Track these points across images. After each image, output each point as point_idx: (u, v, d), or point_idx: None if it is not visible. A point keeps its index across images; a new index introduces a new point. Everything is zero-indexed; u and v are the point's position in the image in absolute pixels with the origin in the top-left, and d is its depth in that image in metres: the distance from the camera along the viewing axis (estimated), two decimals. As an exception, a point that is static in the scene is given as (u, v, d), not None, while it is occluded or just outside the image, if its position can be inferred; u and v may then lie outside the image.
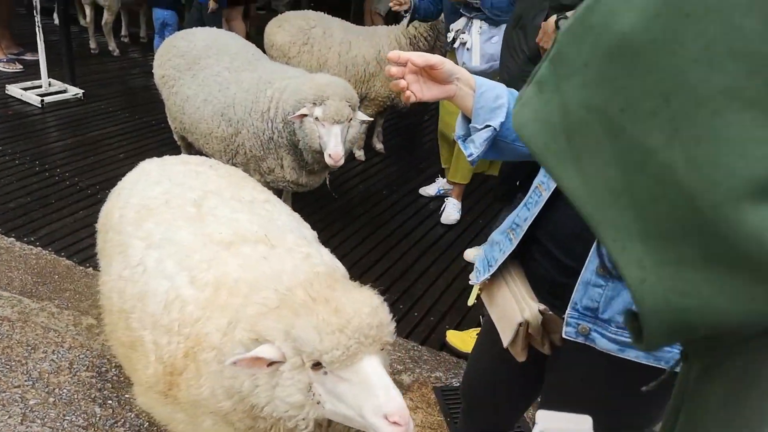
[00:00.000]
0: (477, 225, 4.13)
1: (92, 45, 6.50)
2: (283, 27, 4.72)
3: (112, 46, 6.50)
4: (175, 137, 3.94)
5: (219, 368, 1.37)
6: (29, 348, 2.56)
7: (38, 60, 5.14)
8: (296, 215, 1.95)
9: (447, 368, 2.86)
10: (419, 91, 1.32)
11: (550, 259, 1.36)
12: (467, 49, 3.50)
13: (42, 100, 4.95)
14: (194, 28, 3.77)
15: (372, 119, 3.12)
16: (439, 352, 2.95)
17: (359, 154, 4.88)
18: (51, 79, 5.23)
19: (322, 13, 4.89)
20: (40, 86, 5.16)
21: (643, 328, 0.47)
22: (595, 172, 0.47)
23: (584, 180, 0.48)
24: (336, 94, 2.94)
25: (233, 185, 1.92)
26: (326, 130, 2.94)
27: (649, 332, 0.47)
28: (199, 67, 3.44)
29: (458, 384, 2.78)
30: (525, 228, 1.37)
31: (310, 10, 4.99)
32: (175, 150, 4.42)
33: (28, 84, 5.20)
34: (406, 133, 5.81)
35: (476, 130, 1.34)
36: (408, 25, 4.48)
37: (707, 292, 0.43)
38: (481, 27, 3.46)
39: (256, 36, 6.95)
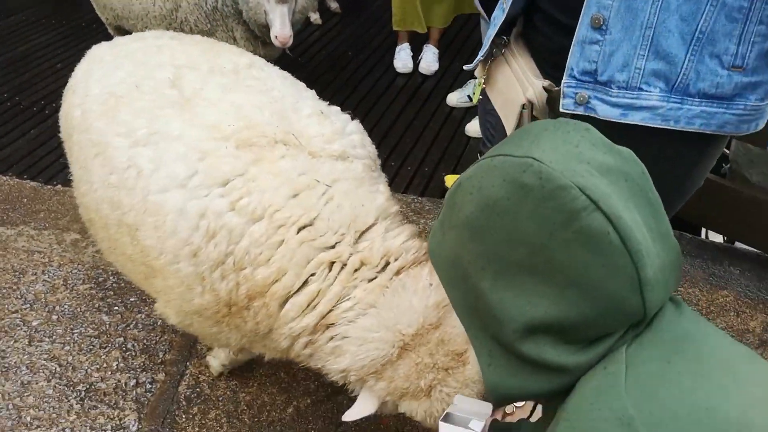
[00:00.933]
0: (455, 69, 3.89)
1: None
2: None
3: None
4: (110, 30, 3.54)
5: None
6: (17, 273, 2.42)
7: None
8: (285, 73, 1.67)
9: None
10: None
11: (549, 22, 1.19)
12: None
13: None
14: None
15: None
16: (441, 200, 2.86)
17: (315, 17, 4.49)
18: (-43, -3, 4.65)
19: None
20: (-53, 7, 4.59)
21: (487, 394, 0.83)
22: (460, 297, 0.79)
23: (459, 299, 0.80)
24: None
25: (206, 53, 1.63)
26: (271, 7, 2.63)
27: (492, 397, 0.80)
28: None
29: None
30: None
31: None
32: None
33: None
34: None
35: None
36: None
37: (519, 383, 0.75)
38: None
39: None
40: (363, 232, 1.22)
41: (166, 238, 1.28)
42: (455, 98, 3.52)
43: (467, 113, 3.49)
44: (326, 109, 1.44)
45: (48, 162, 3.14)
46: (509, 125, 1.26)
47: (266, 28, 2.75)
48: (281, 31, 2.65)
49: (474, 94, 1.67)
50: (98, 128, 1.48)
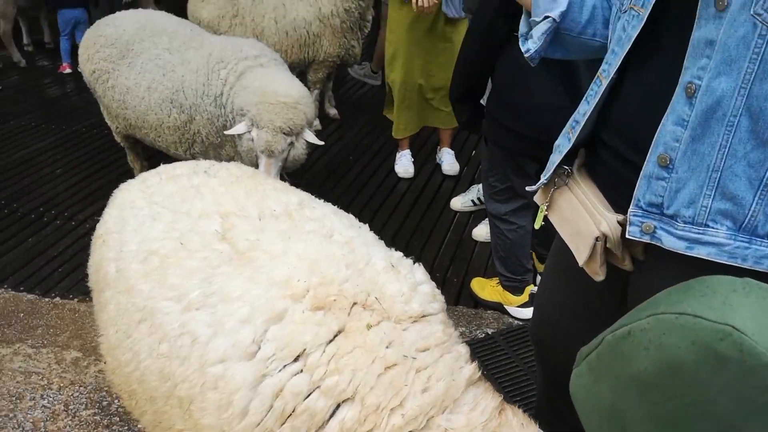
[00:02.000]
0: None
1: (-7, 60, 5.87)
2: (208, 0, 4.33)
3: (16, 57, 5.88)
4: (117, 138, 3.55)
5: None
6: (13, 398, 2.25)
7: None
8: (335, 208, 1.59)
9: (468, 321, 2.73)
10: None
11: (615, 156, 1.21)
12: None
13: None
14: (116, 13, 3.36)
15: (319, 142, 2.78)
16: (455, 307, 2.81)
17: (315, 123, 4.59)
18: (-43, 103, 4.67)
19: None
20: (-54, 113, 4.60)
21: None
22: None
23: None
24: (272, 125, 2.60)
25: (251, 193, 1.51)
26: (259, 155, 2.69)
27: None
28: (134, 54, 3.07)
29: (483, 335, 2.66)
30: (583, 122, 1.23)
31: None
32: (115, 154, 4.07)
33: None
34: (355, 91, 5.55)
35: (535, 24, 1.24)
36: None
37: None
38: None
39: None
40: (454, 408, 1.12)
41: (232, 420, 1.11)
42: (459, 203, 3.57)
43: (472, 217, 3.52)
44: (394, 258, 1.36)
45: (46, 273, 3.02)
46: (581, 256, 1.24)
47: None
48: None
49: (536, 221, 1.70)
50: (143, 292, 1.36)
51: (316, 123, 4.61)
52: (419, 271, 1.36)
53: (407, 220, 3.53)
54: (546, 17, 1.22)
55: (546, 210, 1.34)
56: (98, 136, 4.46)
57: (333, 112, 4.87)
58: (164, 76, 2.98)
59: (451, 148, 4.05)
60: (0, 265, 3.07)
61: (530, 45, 1.27)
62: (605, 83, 1.19)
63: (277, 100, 2.68)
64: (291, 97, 2.72)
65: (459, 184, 3.87)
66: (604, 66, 1.22)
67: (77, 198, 3.67)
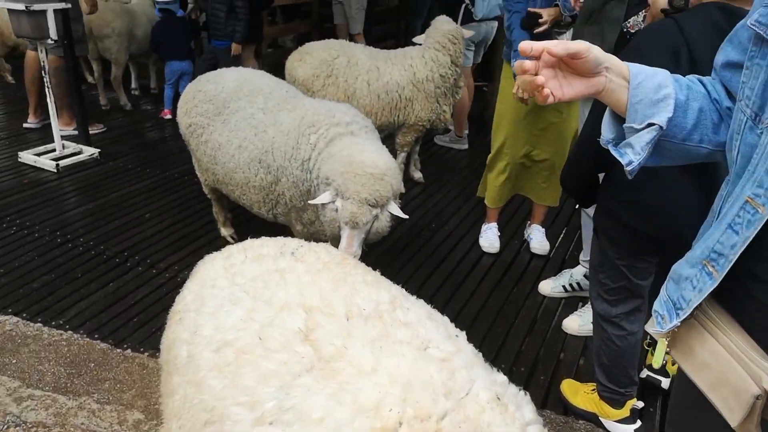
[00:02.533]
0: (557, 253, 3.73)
1: (102, 101, 6.24)
2: (304, 60, 4.40)
3: (123, 100, 6.24)
4: (205, 190, 3.59)
5: None
6: (71, 460, 2.17)
7: (50, 122, 4.87)
8: (429, 309, 1.43)
9: (556, 429, 2.43)
10: (558, 88, 1.06)
11: None
12: None
13: (57, 165, 4.64)
14: (218, 70, 3.44)
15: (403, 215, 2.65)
16: (542, 411, 2.52)
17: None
18: (64, 141, 4.94)
19: (345, 41, 4.58)
20: (54, 150, 4.87)
21: None
22: None
23: None
24: (358, 196, 2.48)
25: (339, 286, 1.38)
26: (342, 226, 2.56)
27: None
28: (229, 111, 3.10)
29: (573, 449, 2.35)
30: (733, 258, 1.01)
31: (333, 40, 4.68)
32: (202, 203, 4.11)
33: (41, 149, 4.91)
34: (442, 155, 5.44)
35: (634, 131, 1.08)
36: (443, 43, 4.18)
37: None
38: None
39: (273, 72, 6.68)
40: None
41: None
42: (549, 287, 3.30)
43: (562, 304, 3.25)
44: (498, 384, 1.17)
45: (121, 321, 3.01)
46: (734, 416, 1.00)
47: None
48: (347, 251, 2.51)
49: (655, 358, 1.46)
50: (213, 389, 1.23)
51: (400, 186, 4.54)
52: (528, 408, 1.15)
53: (490, 300, 3.29)
54: (650, 124, 1.06)
55: (668, 348, 1.12)
56: (188, 183, 4.57)
57: (418, 175, 4.77)
58: (255, 136, 2.97)
59: (542, 225, 3.81)
60: (80, 307, 3.10)
61: (632, 157, 1.09)
62: (764, 213, 0.96)
63: (364, 170, 2.57)
64: (378, 168, 2.60)
65: (548, 265, 3.61)
66: (758, 190, 0.98)
67: (161, 245, 3.71)
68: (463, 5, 4.89)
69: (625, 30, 2.44)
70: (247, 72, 3.38)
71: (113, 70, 6.00)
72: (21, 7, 4.17)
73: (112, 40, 5.82)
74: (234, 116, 3.09)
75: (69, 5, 4.50)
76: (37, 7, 4.20)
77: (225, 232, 3.77)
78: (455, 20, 5.25)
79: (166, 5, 5.72)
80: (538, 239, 3.73)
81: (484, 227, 3.82)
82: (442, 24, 4.28)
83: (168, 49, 5.83)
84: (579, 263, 3.27)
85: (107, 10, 5.79)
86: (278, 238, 1.73)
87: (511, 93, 3.29)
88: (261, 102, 3.08)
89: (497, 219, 3.81)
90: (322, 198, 2.61)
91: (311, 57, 4.38)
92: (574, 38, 2.76)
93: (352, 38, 6.91)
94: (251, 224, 3.90)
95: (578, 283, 3.22)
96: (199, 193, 4.35)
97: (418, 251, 3.76)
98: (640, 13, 2.38)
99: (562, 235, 3.97)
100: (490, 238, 3.75)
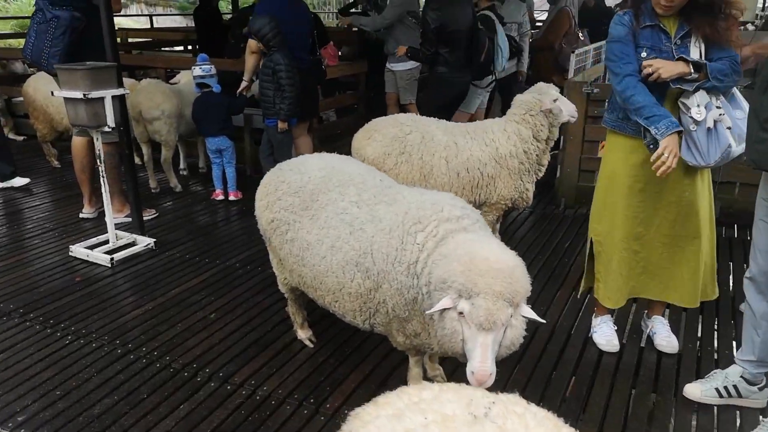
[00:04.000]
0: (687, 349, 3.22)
1: (152, 184, 6.02)
2: (373, 138, 4.09)
3: (173, 182, 6.00)
4: (282, 288, 3.20)
5: None
6: None
7: (104, 211, 4.59)
8: None
9: None
10: None
11: None
12: (709, 129, 2.63)
13: (111, 259, 4.32)
14: (303, 156, 3.12)
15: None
16: None
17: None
18: (118, 231, 4.65)
19: (414, 115, 4.27)
20: (107, 241, 4.57)
21: None
22: None
23: None
24: (491, 290, 2.03)
25: None
26: (471, 335, 2.06)
27: None
28: (318, 205, 2.73)
29: None
30: None
31: (402, 114, 4.37)
32: (270, 297, 3.75)
33: (93, 241, 4.61)
34: (525, 231, 5.00)
35: None
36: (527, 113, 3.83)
37: None
38: (715, 100, 2.69)
39: (320, 146, 6.44)
40: None
41: None
42: (699, 391, 2.77)
43: (718, 413, 2.71)
44: None
45: (199, 457, 2.56)
46: None
47: (461, 355, 2.16)
48: (480, 367, 2.00)
49: None
50: None
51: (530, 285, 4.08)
52: None
53: (630, 418, 2.75)
54: None
55: None
56: (252, 273, 4.20)
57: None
58: (351, 235, 2.59)
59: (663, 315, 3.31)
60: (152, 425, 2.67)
61: None
62: None
63: (490, 266, 2.12)
64: (506, 264, 2.16)
65: (683, 366, 3.08)
66: None
67: (232, 353, 3.29)
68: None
69: None
70: (333, 159, 3.03)
71: (164, 152, 5.79)
72: (78, 95, 3.96)
73: (161, 122, 5.63)
74: (324, 211, 2.72)
75: (127, 91, 4.30)
76: (94, 94, 3.99)
77: (303, 335, 3.35)
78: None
79: (202, 79, 5.51)
80: (663, 334, 3.22)
81: (595, 321, 3.32)
82: (524, 95, 3.96)
83: (205, 125, 5.59)
84: (733, 362, 2.75)
85: (156, 91, 5.63)
86: (462, 391, 1.32)
87: (617, 169, 2.89)
88: (354, 194, 2.72)
89: (609, 311, 3.32)
90: (443, 303, 2.15)
91: (381, 134, 4.07)
92: (752, 111, 2.35)
93: (403, 108, 6.67)
94: (327, 321, 3.48)
95: (735, 386, 2.69)
96: (265, 285, 3.99)
97: (524, 352, 3.25)
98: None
99: (684, 329, 3.45)
100: (606, 334, 3.25)
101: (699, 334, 3.38)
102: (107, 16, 4.18)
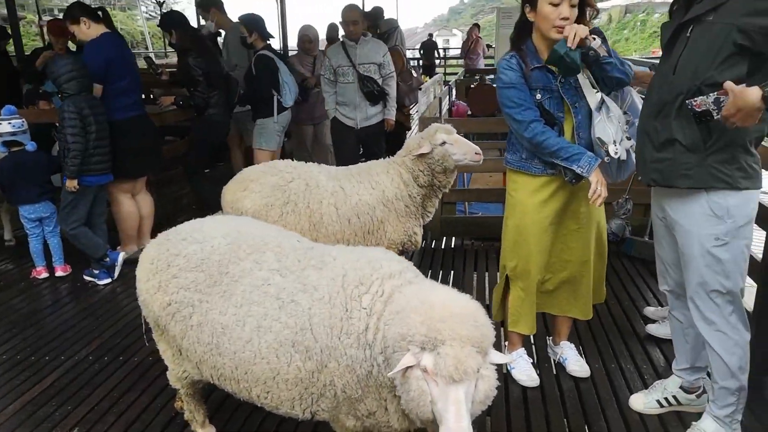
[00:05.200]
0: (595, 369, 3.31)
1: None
2: (250, 189, 3.70)
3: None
4: (177, 384, 2.63)
5: None
6: None
7: None
8: None
9: None
10: None
11: None
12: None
13: None
14: (195, 221, 2.61)
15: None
16: None
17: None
18: None
19: (290, 161, 3.95)
20: None
21: None
22: None
23: None
24: (456, 335, 1.82)
25: None
26: (441, 392, 1.81)
27: None
28: (230, 278, 2.30)
29: None
30: None
31: (277, 161, 4.01)
32: (148, 393, 3.11)
33: None
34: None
35: None
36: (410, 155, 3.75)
37: None
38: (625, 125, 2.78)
39: (166, 206, 5.75)
40: None
41: None
42: (641, 403, 2.88)
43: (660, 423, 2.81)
44: None
45: None
46: None
47: (431, 422, 1.91)
48: (456, 427, 1.74)
49: None
50: None
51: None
52: None
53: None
54: None
55: None
56: (114, 366, 3.47)
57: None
58: (281, 309, 2.20)
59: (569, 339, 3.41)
60: None
61: None
62: None
63: (451, 312, 1.91)
64: (467, 308, 1.96)
65: (600, 387, 3.17)
66: None
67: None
68: (275, 97, 5.59)
69: (690, 107, 2.22)
70: (232, 221, 2.60)
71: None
72: None
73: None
74: (239, 285, 2.28)
75: None
76: None
77: (206, 434, 2.80)
78: (269, 112, 5.66)
79: (12, 137, 4.56)
80: (573, 359, 3.30)
81: (511, 356, 3.30)
82: (413, 136, 3.88)
83: (20, 191, 4.61)
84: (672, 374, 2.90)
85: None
86: None
87: (526, 207, 2.92)
88: (273, 260, 2.33)
89: (522, 342, 3.33)
90: (405, 361, 1.87)
91: (258, 184, 3.69)
92: (643, 134, 2.48)
93: (249, 152, 6.27)
94: (233, 409, 2.97)
95: (674, 397, 2.84)
96: (136, 378, 3.32)
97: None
98: (711, 94, 2.18)
99: (587, 348, 3.59)
100: (524, 369, 3.23)
101: (605, 355, 3.54)
102: None
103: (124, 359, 3.53)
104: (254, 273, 2.31)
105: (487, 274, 4.82)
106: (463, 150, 3.63)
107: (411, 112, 7.81)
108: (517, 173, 3.00)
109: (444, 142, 3.62)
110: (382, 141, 5.88)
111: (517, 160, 2.98)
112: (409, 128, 7.94)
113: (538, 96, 2.78)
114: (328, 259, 2.32)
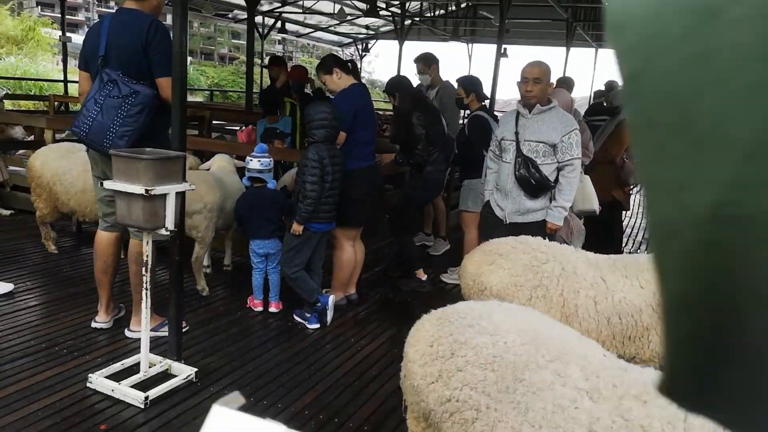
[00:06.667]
0: None
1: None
2: (498, 264, 3.36)
3: (201, 284, 5.07)
4: None
5: None
6: None
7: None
8: None
9: None
10: None
11: None
12: None
13: (146, 398, 3.32)
14: (474, 303, 2.33)
15: None
16: None
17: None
18: (152, 354, 3.67)
19: (542, 239, 3.58)
20: (133, 367, 3.59)
21: None
22: None
23: None
24: None
25: None
26: None
27: None
28: (526, 389, 1.93)
29: None
30: None
31: (528, 237, 3.66)
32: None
33: (119, 366, 3.62)
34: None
35: None
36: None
37: None
38: None
39: (367, 255, 5.67)
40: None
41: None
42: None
43: None
44: None
45: None
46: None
47: None
48: None
49: None
50: None
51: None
52: None
53: None
54: None
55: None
56: (328, 429, 3.25)
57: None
58: (599, 444, 1.78)
59: None
60: None
61: None
62: None
63: None
64: None
65: None
66: None
67: None
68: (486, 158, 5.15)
69: None
70: (527, 314, 2.26)
71: (197, 249, 4.91)
72: (139, 190, 3.14)
73: (202, 216, 4.80)
74: (538, 400, 1.91)
75: (192, 187, 3.50)
76: (159, 190, 3.17)
77: None
78: (478, 173, 5.50)
79: (259, 174, 4.76)
80: None
81: None
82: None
83: (254, 226, 4.76)
84: None
85: (199, 181, 4.82)
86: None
87: None
88: (579, 377, 1.93)
89: None
90: None
91: (509, 261, 3.35)
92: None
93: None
94: None
95: None
96: None
97: None
98: None
99: None
100: None
101: None
102: (180, 96, 3.44)
103: (339, 422, 3.33)
104: (556, 388, 1.92)
105: None
106: None
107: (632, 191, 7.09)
108: None
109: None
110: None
111: None
112: (628, 209, 7.22)
113: None
114: (653, 392, 1.86)
